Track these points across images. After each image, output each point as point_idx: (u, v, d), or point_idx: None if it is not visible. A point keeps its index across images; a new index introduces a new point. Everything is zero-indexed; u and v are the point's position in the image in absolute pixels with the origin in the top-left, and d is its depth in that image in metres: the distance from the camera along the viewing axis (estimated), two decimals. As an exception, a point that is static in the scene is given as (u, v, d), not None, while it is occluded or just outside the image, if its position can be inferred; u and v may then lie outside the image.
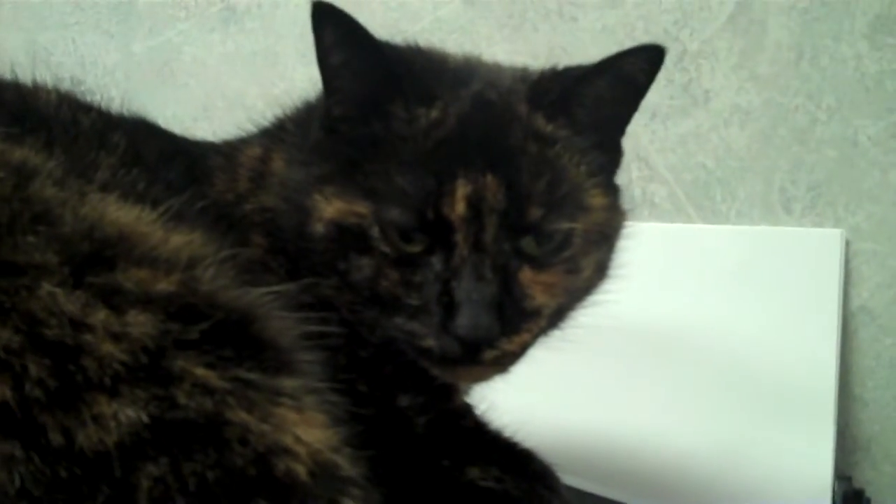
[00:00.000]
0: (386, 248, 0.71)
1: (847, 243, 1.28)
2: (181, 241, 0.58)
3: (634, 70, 0.77)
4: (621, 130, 0.82)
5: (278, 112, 0.88)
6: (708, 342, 1.28)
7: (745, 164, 1.33)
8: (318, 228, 0.73)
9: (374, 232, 0.72)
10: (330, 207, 0.73)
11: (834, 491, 1.18)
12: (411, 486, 0.69)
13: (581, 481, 1.09)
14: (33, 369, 0.46)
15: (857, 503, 1.16)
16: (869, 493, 1.19)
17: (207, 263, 0.57)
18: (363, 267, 0.72)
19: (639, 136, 1.35)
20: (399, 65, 0.76)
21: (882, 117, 1.26)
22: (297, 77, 1.58)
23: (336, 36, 0.74)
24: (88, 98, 0.81)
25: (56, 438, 0.45)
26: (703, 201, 1.35)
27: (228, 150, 0.85)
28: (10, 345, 0.46)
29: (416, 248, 0.72)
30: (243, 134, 0.88)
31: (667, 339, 1.28)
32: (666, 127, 1.36)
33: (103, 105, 0.81)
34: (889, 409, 1.28)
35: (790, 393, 1.23)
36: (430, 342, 0.70)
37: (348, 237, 0.72)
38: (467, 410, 0.79)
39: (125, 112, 0.84)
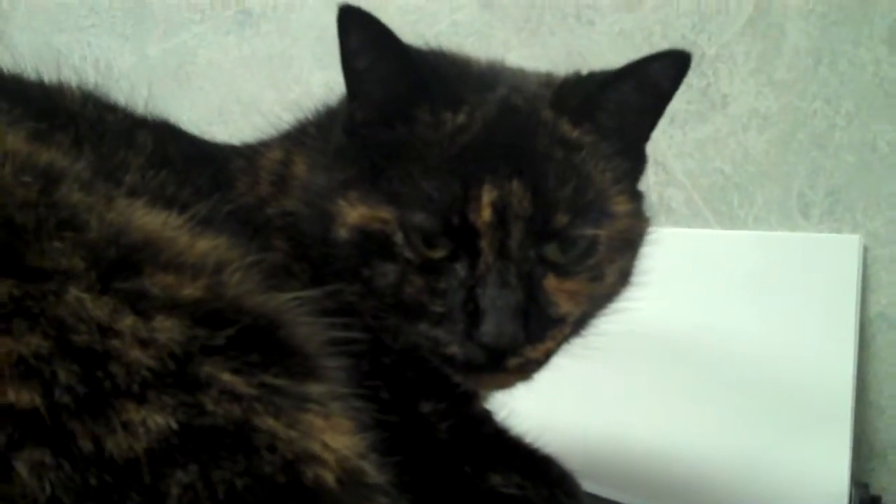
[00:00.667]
0: (410, 254, 0.71)
1: (865, 249, 1.27)
2: (207, 245, 0.58)
3: (659, 75, 0.77)
4: (646, 136, 0.82)
5: (299, 115, 0.88)
6: (724, 348, 1.27)
7: (762, 169, 1.33)
8: (342, 234, 0.73)
9: (398, 238, 0.71)
10: (354, 212, 0.73)
11: (851, 498, 1.17)
12: (435, 492, 0.69)
13: (600, 488, 1.08)
14: (62, 375, 0.46)
15: (875, 510, 1.16)
16: (886, 499, 1.18)
17: (234, 268, 0.57)
18: (387, 273, 0.72)
19: (657, 140, 1.34)
20: (425, 69, 0.75)
21: (901, 122, 1.25)
22: (314, 81, 1.58)
23: (362, 39, 0.73)
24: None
25: (86, 445, 0.45)
26: (721, 206, 1.35)
27: (250, 153, 0.84)
28: (39, 351, 0.46)
29: (439, 254, 0.71)
30: (264, 137, 0.88)
31: (683, 345, 1.27)
32: (684, 132, 1.35)
33: (126, 104, 0.81)
34: (906, 416, 1.27)
35: (807, 399, 1.23)
36: (454, 349, 0.70)
37: (372, 243, 0.72)
38: (487, 416, 0.79)
39: (146, 113, 0.84)
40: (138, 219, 0.56)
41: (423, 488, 0.67)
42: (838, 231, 1.29)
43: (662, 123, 1.07)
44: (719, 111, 1.34)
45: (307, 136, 0.84)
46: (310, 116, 0.87)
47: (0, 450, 0.44)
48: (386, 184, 0.72)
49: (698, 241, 1.34)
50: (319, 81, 1.54)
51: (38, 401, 0.45)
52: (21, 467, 0.43)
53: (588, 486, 0.80)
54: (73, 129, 0.64)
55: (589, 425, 1.23)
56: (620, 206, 0.76)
